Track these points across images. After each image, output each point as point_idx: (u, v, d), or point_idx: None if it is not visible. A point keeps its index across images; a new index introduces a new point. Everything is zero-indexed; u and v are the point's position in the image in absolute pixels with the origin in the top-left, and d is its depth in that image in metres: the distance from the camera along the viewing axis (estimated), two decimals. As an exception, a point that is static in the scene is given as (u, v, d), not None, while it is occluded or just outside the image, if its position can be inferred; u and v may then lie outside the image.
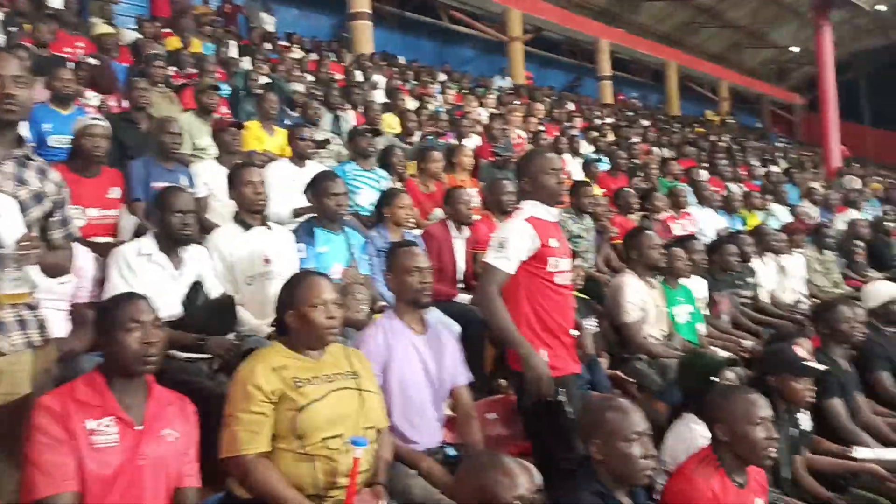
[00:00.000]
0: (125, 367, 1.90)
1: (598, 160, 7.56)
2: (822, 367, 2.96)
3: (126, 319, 1.90)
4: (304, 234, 3.26)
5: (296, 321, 2.16)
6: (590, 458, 2.00)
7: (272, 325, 2.29)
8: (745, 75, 23.91)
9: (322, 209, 3.35)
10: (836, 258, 6.41)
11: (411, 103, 8.48)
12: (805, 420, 3.18)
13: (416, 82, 11.00)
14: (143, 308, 1.94)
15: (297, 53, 10.61)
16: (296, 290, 2.18)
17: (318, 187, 3.36)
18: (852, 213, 8.57)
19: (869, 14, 17.62)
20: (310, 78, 8.82)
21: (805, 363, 2.89)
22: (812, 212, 8.24)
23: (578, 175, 7.35)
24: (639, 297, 3.77)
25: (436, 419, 2.60)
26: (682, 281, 4.23)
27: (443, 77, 12.69)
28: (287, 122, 6.08)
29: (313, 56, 10.86)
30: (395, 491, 2.29)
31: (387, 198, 3.93)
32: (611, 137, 10.19)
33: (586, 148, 8.73)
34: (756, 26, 22.33)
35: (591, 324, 3.68)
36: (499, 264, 2.60)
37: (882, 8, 18.00)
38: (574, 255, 3.51)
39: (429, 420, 2.56)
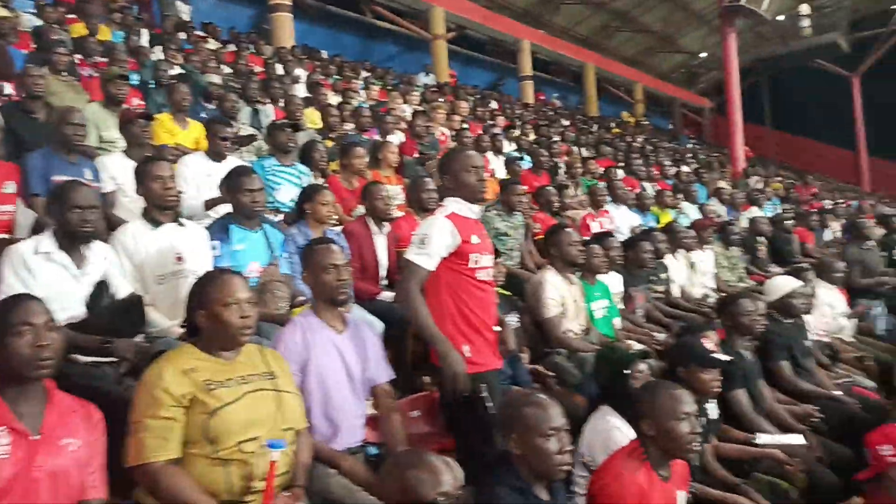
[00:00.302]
0: (17, 373, 1.78)
1: (521, 158, 7.69)
2: (726, 358, 3.12)
3: (16, 322, 1.78)
4: (219, 231, 3.14)
5: (207, 321, 2.07)
6: (509, 453, 2.02)
7: (182, 326, 2.19)
8: (657, 79, 24.95)
9: (237, 205, 3.24)
10: (740, 254, 6.77)
11: (333, 98, 8.35)
12: (713, 409, 3.35)
13: (338, 77, 10.85)
14: (33, 310, 1.82)
15: (213, 44, 10.24)
16: (207, 289, 2.09)
17: (233, 183, 3.24)
18: (755, 211, 9.09)
19: (770, 23, 18.71)
20: (227, 70, 8.54)
21: (711, 355, 3.04)
22: (719, 210, 8.68)
23: (501, 173, 7.48)
24: (558, 293, 3.85)
25: (357, 418, 2.57)
26: (599, 277, 4.36)
27: (366, 73, 12.58)
28: (203, 115, 5.85)
29: (231, 48, 10.52)
30: (314, 491, 2.25)
31: (307, 194, 3.85)
32: (532, 136, 10.40)
33: (508, 147, 8.87)
34: (667, 32, 23.34)
35: (512, 319, 3.74)
36: (419, 261, 2.60)
37: (781, 18, 19.19)
38: (498, 252, 3.55)
39: (350, 419, 2.52)
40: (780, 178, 15.53)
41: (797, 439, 3.36)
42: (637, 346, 3.79)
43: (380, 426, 2.67)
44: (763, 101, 26.78)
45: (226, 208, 3.55)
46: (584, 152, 10.65)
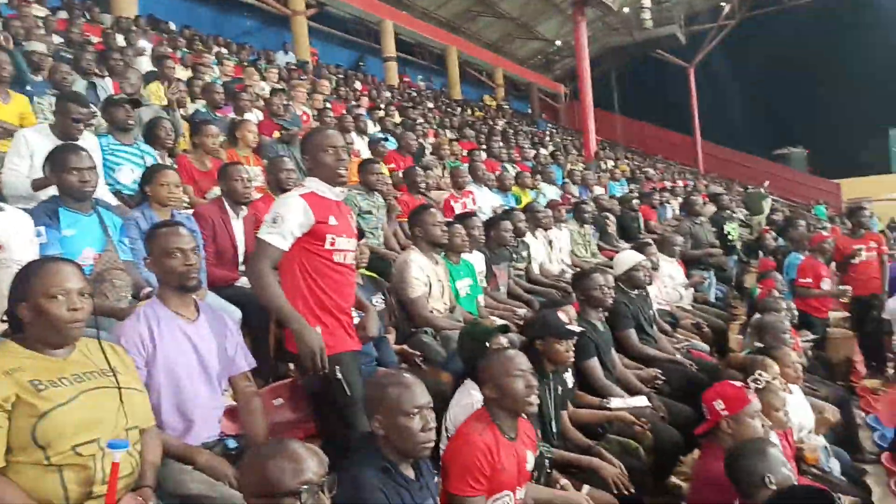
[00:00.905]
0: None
1: (385, 139, 7.63)
2: (579, 329, 3.28)
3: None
4: (45, 215, 2.81)
5: (30, 315, 1.85)
6: (374, 434, 1.99)
7: (3, 321, 1.94)
8: (516, 64, 25.80)
9: (64, 186, 2.91)
10: (592, 231, 7.18)
11: (182, 73, 7.80)
12: (569, 378, 3.53)
13: (188, 51, 10.16)
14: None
15: (39, 10, 9.19)
16: (30, 280, 1.87)
17: (57, 161, 2.91)
18: (605, 191, 9.70)
19: (617, 14, 19.90)
20: (58, 39, 7.71)
21: (566, 327, 3.18)
22: (574, 190, 9.16)
23: (366, 154, 7.39)
24: (423, 273, 3.86)
25: (213, 410, 2.42)
26: (463, 256, 4.43)
27: (219, 48, 11.89)
28: (29, 87, 5.23)
29: (62, 15, 9.52)
30: (168, 491, 2.10)
31: (148, 175, 3.56)
32: (397, 118, 10.37)
33: (373, 128, 8.78)
34: (525, 19, 24.15)
35: (377, 300, 3.71)
36: (272, 240, 2.52)
37: (627, 10, 20.47)
38: (361, 233, 3.49)
39: (205, 412, 2.37)
40: (626, 161, 16.66)
41: (643, 401, 3.63)
42: (499, 322, 3.90)
43: (240, 417, 2.54)
44: (612, 89, 28.55)
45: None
46: (449, 134, 10.79)
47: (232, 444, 2.42)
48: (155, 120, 4.84)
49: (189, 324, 2.38)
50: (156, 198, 3.45)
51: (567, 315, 3.37)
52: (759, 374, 3.26)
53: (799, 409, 3.67)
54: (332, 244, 2.61)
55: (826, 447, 3.87)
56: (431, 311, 3.84)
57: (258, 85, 8.69)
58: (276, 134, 6.41)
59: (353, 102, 10.46)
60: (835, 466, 3.80)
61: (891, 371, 6.57)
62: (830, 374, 5.66)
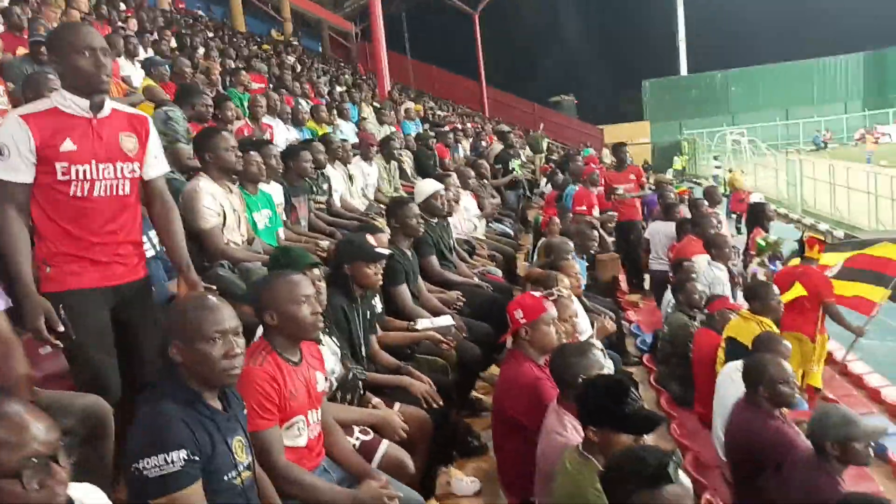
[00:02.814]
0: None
1: (162, 64, 6.83)
2: (387, 252, 3.27)
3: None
4: None
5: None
6: (174, 363, 1.78)
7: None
8: (305, -1, 24.64)
9: None
10: (395, 167, 7.22)
11: None
12: (377, 303, 3.52)
13: None
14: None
15: None
16: None
17: None
18: (402, 130, 9.77)
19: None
20: None
21: (375, 250, 3.14)
22: (375, 128, 9.09)
23: (138, 81, 6.58)
24: (216, 202, 3.54)
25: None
26: (261, 186, 4.16)
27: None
28: None
29: None
30: None
31: None
32: (173, 44, 9.37)
33: (145, 53, 7.82)
34: (314, -50, 23.03)
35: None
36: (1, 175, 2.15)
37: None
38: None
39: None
40: (420, 103, 16.91)
41: (448, 321, 3.75)
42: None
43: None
44: (403, 32, 28.61)
45: None
46: (234, 65, 10.01)
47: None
48: None
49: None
50: None
51: (375, 239, 3.33)
52: (558, 288, 3.53)
53: (580, 316, 4.06)
54: (66, 174, 2.22)
55: (603, 350, 4.35)
56: (227, 243, 3.56)
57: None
58: (22, 50, 5.43)
59: (119, 24, 9.21)
60: (609, 366, 4.29)
61: (647, 286, 7.58)
62: (601, 291, 6.37)
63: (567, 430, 2.49)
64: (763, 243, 6.18)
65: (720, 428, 3.63)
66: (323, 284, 2.75)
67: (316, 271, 2.72)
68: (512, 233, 7.84)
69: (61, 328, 2.19)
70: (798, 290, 4.96)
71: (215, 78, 7.37)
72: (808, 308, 5.26)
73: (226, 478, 1.76)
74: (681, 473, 1.72)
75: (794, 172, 19.33)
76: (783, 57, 36.15)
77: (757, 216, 6.80)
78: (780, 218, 17.55)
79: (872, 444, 2.65)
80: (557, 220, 6.45)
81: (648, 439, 4.25)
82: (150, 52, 7.89)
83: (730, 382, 3.69)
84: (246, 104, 6.47)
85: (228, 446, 1.78)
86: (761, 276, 5.73)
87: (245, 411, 1.97)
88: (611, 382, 2.27)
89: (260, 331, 2.38)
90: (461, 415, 3.92)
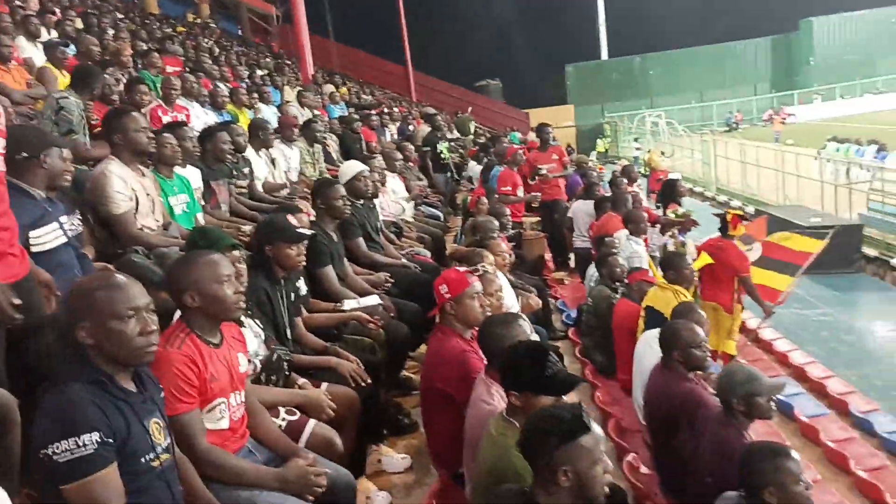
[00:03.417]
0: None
1: (66, 45, 6.46)
2: (309, 232, 3.23)
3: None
4: None
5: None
6: (82, 346, 1.71)
7: None
8: (222, -20, 23.77)
9: None
10: (320, 150, 7.11)
11: None
12: (302, 286, 3.48)
13: None
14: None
15: None
16: None
17: None
18: (327, 114, 9.62)
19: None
20: None
21: (296, 230, 3.10)
22: (298, 112, 8.90)
23: (40, 61, 6.21)
24: (126, 186, 3.40)
25: None
26: (177, 171, 4.02)
27: None
28: None
29: None
30: None
31: None
32: (79, 25, 8.87)
33: (48, 34, 7.37)
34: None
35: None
36: None
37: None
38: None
39: None
40: (345, 87, 16.67)
41: (375, 300, 3.75)
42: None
43: None
44: (326, 14, 28.05)
45: None
46: (147, 48, 9.58)
47: None
48: None
49: None
50: None
51: (297, 220, 3.28)
52: (482, 265, 3.58)
53: (506, 292, 4.14)
54: None
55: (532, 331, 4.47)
56: (141, 229, 3.43)
57: None
58: None
59: (18, 2, 8.63)
60: (536, 338, 4.41)
61: (572, 264, 7.79)
62: (528, 270, 6.50)
63: (494, 398, 2.54)
64: (674, 216, 6.46)
65: (640, 393, 3.79)
66: (244, 266, 2.69)
67: (235, 253, 2.66)
68: (441, 215, 7.88)
69: None
70: (705, 259, 5.25)
71: (126, 60, 7.05)
72: (725, 281, 5.56)
73: (143, 460, 1.72)
74: (595, 425, 1.80)
75: (708, 152, 20.21)
76: (698, 41, 37.64)
77: (670, 192, 7.09)
78: (696, 196, 18.38)
79: (774, 398, 2.84)
80: (486, 199, 6.53)
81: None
82: (54, 34, 7.45)
83: (647, 349, 3.86)
84: (159, 86, 6.21)
85: (145, 428, 1.73)
86: (671, 248, 5.99)
87: (162, 394, 1.92)
88: (530, 347, 2.33)
89: (177, 316, 2.32)
90: (392, 394, 3.95)
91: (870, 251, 11.74)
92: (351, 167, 4.79)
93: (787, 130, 28.05)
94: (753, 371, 2.88)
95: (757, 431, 3.14)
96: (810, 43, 37.00)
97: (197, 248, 2.78)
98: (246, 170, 5.31)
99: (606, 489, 1.84)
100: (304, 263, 3.19)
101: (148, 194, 3.55)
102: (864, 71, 35.51)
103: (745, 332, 6.26)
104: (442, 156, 9.27)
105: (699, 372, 3.44)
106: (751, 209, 15.27)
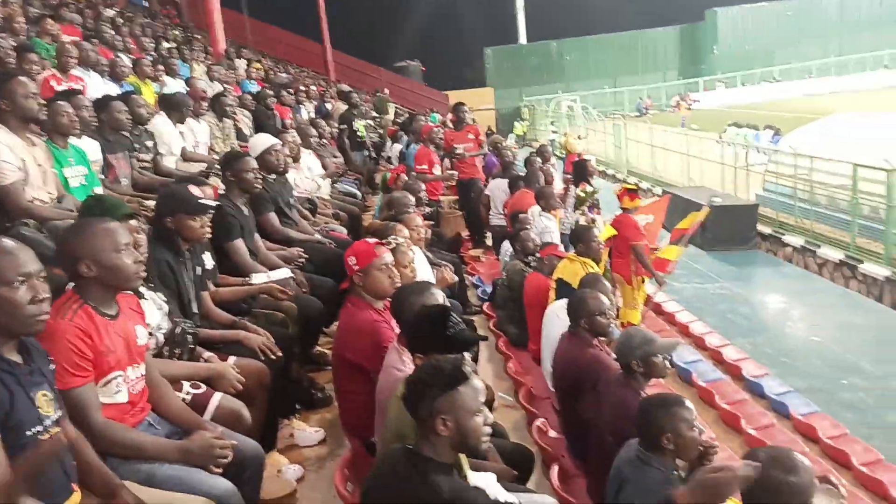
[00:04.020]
0: None
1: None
2: (213, 203, 3.14)
3: None
4: None
5: None
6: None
7: None
8: (124, -53, 22.36)
9: None
10: (231, 125, 6.89)
11: None
12: (208, 259, 3.38)
13: None
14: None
15: None
16: None
17: None
18: (241, 89, 9.31)
19: None
20: None
21: (199, 200, 3.00)
22: (207, 86, 8.56)
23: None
24: (14, 156, 3.20)
25: None
26: (74, 142, 3.81)
27: None
28: None
29: None
30: None
31: None
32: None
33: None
34: None
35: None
36: None
37: None
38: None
39: None
40: (259, 63, 16.14)
41: (286, 273, 3.70)
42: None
43: None
44: (238, -13, 26.97)
45: None
46: (40, 14, 8.94)
47: None
48: None
49: None
50: None
51: (201, 191, 3.18)
52: (394, 237, 3.58)
53: (422, 266, 4.18)
54: None
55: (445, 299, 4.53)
56: (31, 201, 3.23)
57: None
58: None
59: None
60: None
61: (488, 241, 7.93)
62: (446, 247, 6.57)
63: (405, 365, 2.57)
64: (583, 194, 6.69)
65: (548, 361, 3.94)
66: (143, 237, 2.59)
67: (133, 222, 2.55)
68: (358, 193, 7.81)
69: None
70: (609, 231, 5.52)
71: (18, 27, 6.56)
72: (626, 253, 5.84)
73: (29, 432, 1.64)
74: (474, 377, 1.86)
75: (620, 136, 20.94)
76: (612, 29, 38.71)
77: (580, 172, 7.32)
78: (609, 178, 19.05)
79: (669, 357, 3.02)
80: (405, 176, 6.54)
81: (488, 378, 4.50)
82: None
83: (555, 319, 4.00)
84: (53, 55, 5.83)
85: (31, 400, 1.65)
86: (582, 223, 6.23)
87: (52, 366, 1.84)
88: (433, 310, 2.37)
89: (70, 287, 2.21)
90: (305, 369, 3.91)
91: (764, 229, 12.53)
92: (262, 140, 4.67)
93: (693, 116, 29.42)
94: (649, 333, 3.04)
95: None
96: (715, 33, 38.77)
97: (92, 216, 2.66)
98: (149, 143, 5.08)
99: (487, 441, 1.90)
100: (208, 236, 3.10)
101: (39, 165, 3.35)
102: (763, 60, 37.60)
103: (650, 304, 6.60)
104: (359, 133, 9.17)
105: (603, 338, 3.61)
106: (658, 190, 15.97)
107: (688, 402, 2.44)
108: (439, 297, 2.82)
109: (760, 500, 1.81)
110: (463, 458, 1.94)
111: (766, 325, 9.18)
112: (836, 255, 10.71)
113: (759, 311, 9.83)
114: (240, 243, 3.77)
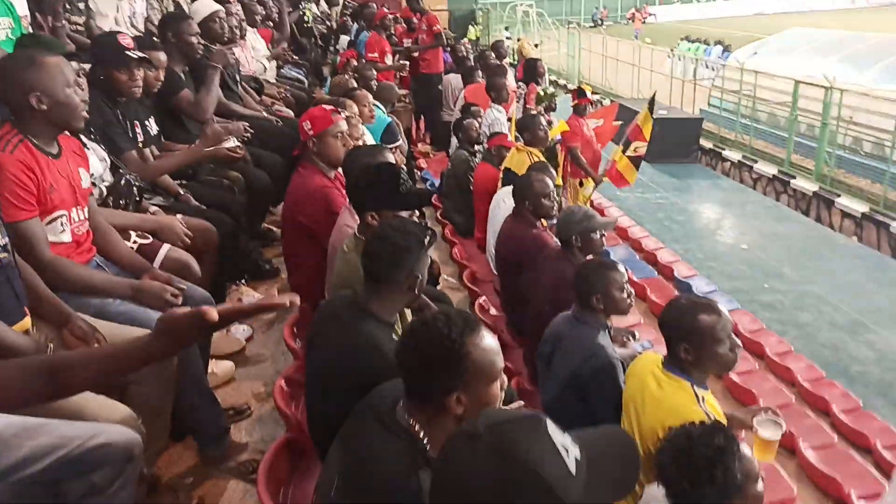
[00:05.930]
0: None
1: None
2: (139, 55, 2.96)
3: None
4: None
5: None
6: None
7: None
8: None
9: None
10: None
11: None
12: (152, 125, 3.27)
13: None
14: None
15: None
16: None
17: None
18: None
19: None
20: None
21: (125, 52, 2.83)
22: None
23: None
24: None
25: None
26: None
27: None
28: None
29: None
30: None
31: None
32: None
33: None
34: None
35: None
36: None
37: None
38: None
39: None
40: None
41: (232, 143, 3.62)
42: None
43: None
44: None
45: None
46: None
47: None
48: None
49: None
50: None
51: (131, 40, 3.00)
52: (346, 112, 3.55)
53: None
54: None
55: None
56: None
57: None
58: None
59: None
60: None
61: (440, 134, 7.88)
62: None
63: (355, 225, 2.60)
64: (541, 94, 6.68)
65: (492, 245, 4.05)
66: (84, 80, 2.48)
67: (74, 64, 2.43)
68: (305, 80, 7.56)
69: None
70: (562, 126, 5.59)
71: None
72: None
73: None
74: None
75: (574, 45, 20.70)
76: (570, -67, 37.35)
77: (531, 72, 7.26)
78: (560, 88, 18.96)
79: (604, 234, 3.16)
80: (354, 61, 6.36)
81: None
82: None
83: (501, 204, 4.10)
84: None
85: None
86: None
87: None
88: (383, 166, 2.40)
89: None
90: (253, 244, 3.92)
91: (706, 143, 12.87)
92: (205, 5, 4.41)
93: (647, 29, 29.24)
94: (589, 210, 3.16)
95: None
96: (674, -55, 38.04)
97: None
98: (81, 4, 4.74)
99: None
100: (138, 93, 2.95)
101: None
102: (719, -23, 37.32)
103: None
104: (305, 18, 8.76)
105: (545, 221, 3.72)
106: (607, 102, 16.06)
107: (620, 267, 2.60)
108: (390, 157, 2.84)
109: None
110: (408, 314, 2.01)
111: (699, 232, 9.63)
112: (770, 170, 11.16)
113: (693, 220, 10.27)
114: (187, 94, 3.64)
